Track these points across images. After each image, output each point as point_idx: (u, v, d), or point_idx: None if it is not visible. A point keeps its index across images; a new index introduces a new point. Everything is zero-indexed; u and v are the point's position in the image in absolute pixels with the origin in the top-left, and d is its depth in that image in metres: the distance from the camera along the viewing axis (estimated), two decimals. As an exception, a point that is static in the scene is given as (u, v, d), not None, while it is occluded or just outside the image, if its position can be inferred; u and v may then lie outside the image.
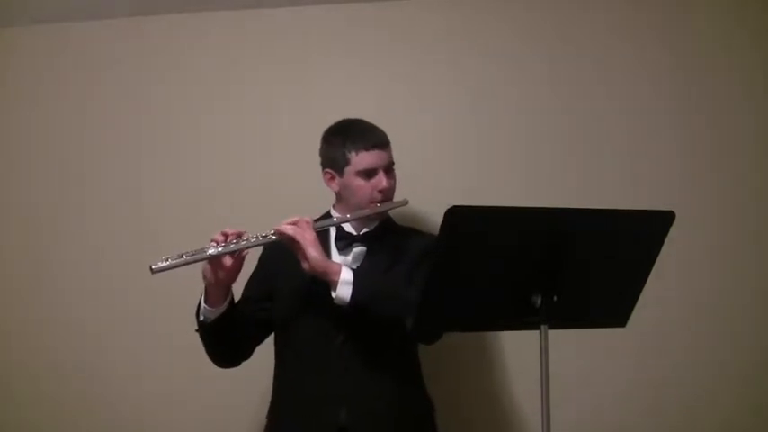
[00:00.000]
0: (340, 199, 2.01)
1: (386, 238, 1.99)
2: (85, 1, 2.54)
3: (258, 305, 1.96)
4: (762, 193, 2.36)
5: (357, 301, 1.80)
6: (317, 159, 2.02)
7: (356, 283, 1.80)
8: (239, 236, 1.80)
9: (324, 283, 1.83)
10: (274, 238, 1.82)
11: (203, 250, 1.75)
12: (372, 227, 2.00)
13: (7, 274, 2.61)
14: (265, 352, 2.00)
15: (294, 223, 1.83)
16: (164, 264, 1.71)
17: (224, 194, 2.53)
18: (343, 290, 1.79)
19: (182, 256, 1.73)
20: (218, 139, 2.56)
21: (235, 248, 1.77)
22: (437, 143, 2.48)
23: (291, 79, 2.55)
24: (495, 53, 2.47)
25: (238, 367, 1.99)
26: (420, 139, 2.41)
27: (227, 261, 1.79)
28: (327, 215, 2.02)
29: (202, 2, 2.55)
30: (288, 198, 2.40)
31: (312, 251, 1.80)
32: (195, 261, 1.74)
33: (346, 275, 1.80)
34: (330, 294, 1.82)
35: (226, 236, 1.79)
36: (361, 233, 1.99)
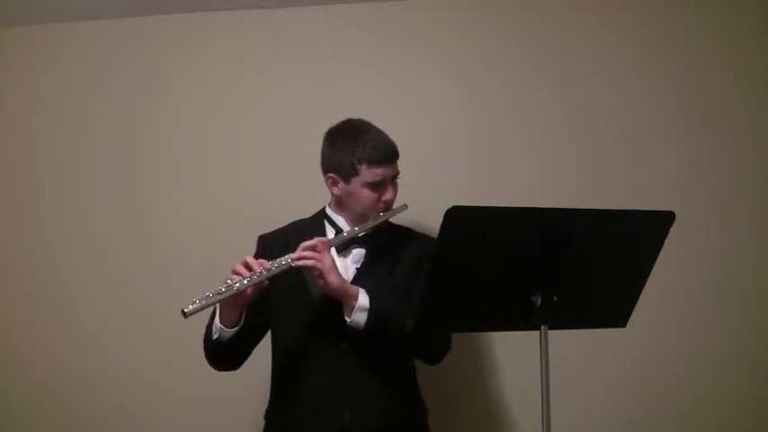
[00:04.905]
0: (339, 202, 2.01)
1: (384, 240, 1.99)
2: (85, 1, 2.53)
3: (254, 309, 1.94)
4: (762, 193, 2.35)
5: (371, 327, 1.82)
6: (317, 159, 2.01)
7: (372, 310, 1.82)
8: (262, 266, 1.81)
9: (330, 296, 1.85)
10: (293, 265, 1.83)
11: (230, 287, 1.78)
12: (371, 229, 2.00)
13: (7, 278, 2.60)
14: (265, 351, 2.00)
15: (312, 247, 1.83)
16: (194, 306, 1.74)
17: (224, 194, 2.53)
18: (359, 316, 1.82)
19: (209, 296, 1.76)
20: (218, 139, 2.56)
21: (258, 279, 1.80)
22: (437, 143, 2.47)
23: (290, 79, 2.54)
24: (495, 54, 2.47)
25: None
26: (420, 140, 2.40)
27: (249, 290, 1.81)
28: (323, 213, 2.04)
29: (203, 2, 2.55)
30: (288, 197, 2.40)
31: (332, 277, 1.81)
32: (224, 298, 1.78)
33: (363, 301, 1.82)
34: (335, 305, 1.85)
35: (248, 268, 1.80)
36: (360, 235, 1.99)
